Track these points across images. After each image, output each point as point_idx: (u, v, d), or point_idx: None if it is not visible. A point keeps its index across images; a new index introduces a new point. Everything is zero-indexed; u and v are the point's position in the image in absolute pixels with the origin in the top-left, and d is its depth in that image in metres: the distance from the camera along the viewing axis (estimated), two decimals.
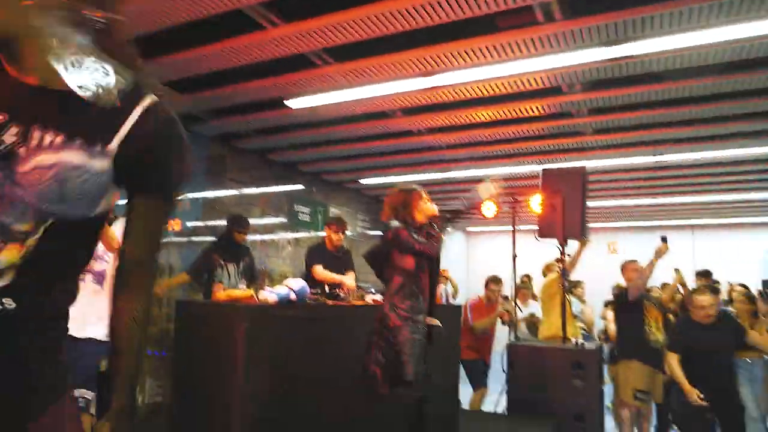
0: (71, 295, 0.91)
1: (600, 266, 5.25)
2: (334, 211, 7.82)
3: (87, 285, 2.10)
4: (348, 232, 5.07)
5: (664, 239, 4.74)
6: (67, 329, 0.91)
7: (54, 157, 0.79)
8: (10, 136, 0.77)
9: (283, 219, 6.76)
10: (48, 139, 0.79)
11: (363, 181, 7.72)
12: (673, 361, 3.03)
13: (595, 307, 6.54)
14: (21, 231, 0.79)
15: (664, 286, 5.86)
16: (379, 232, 8.92)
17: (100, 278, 2.22)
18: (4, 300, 0.79)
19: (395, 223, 2.91)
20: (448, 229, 3.13)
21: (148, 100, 0.89)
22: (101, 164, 0.82)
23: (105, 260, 2.34)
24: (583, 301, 6.43)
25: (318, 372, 3.23)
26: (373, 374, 2.82)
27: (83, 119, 0.82)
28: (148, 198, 0.92)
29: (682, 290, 5.44)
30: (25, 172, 0.77)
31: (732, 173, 6.42)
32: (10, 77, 0.79)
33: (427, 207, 3.01)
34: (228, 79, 4.09)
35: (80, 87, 0.80)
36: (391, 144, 5.73)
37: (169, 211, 0.99)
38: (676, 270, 5.19)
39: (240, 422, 2.89)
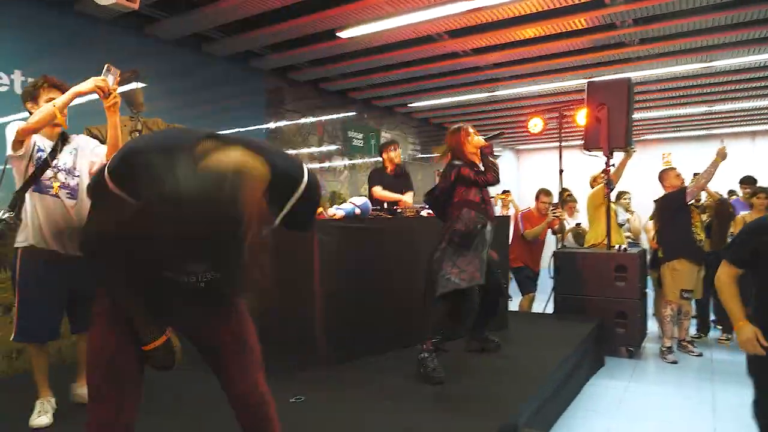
0: None
1: (654, 177, 5.41)
2: (385, 135, 8.15)
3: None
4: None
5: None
6: None
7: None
8: None
9: (338, 145, 7.17)
10: None
11: (412, 105, 7.95)
12: (727, 278, 2.32)
13: (645, 217, 6.69)
14: None
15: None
16: (428, 155, 9.24)
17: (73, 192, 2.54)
18: None
19: (453, 162, 3.26)
20: (498, 151, 3.47)
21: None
22: None
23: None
24: (630, 211, 6.61)
25: (379, 273, 3.74)
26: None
27: None
28: None
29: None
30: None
31: None
32: None
33: (476, 140, 3.31)
34: (282, 16, 4.39)
35: None
36: (438, 66, 5.91)
37: None
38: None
39: (318, 316, 3.46)
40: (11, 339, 2.52)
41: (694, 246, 4.98)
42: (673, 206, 5.08)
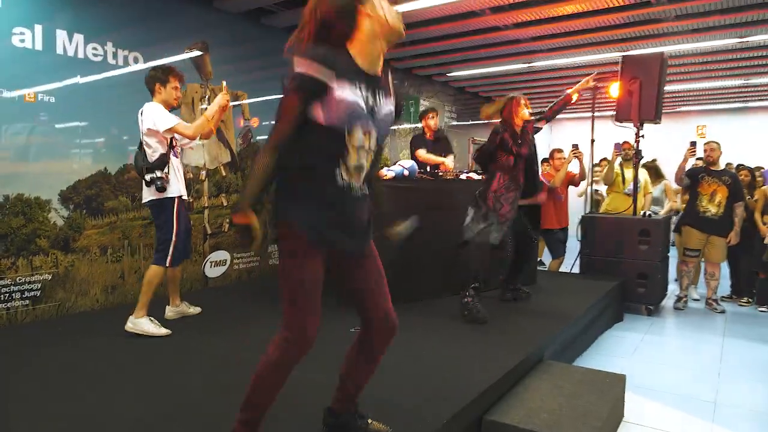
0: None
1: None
2: (423, 103, 8.52)
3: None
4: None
5: (693, 143, 5.55)
6: None
7: (387, 107, 1.69)
8: (371, 98, 1.61)
9: None
10: (383, 98, 1.67)
11: (451, 74, 8.27)
12: None
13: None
14: (372, 149, 1.67)
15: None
16: (464, 123, 9.58)
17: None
18: (363, 187, 1.68)
19: (499, 128, 3.67)
20: (539, 127, 3.85)
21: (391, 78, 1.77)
22: (392, 109, 1.72)
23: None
24: (657, 179, 6.86)
25: (425, 228, 4.20)
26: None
27: (384, 86, 1.69)
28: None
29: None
30: (381, 118, 1.66)
31: None
32: (363, 72, 1.60)
33: (524, 113, 3.70)
34: None
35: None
36: (479, 39, 6.22)
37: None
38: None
39: None
40: (167, 266, 3.42)
41: (697, 216, 5.49)
42: (691, 179, 5.54)
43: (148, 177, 3.31)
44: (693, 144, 5.48)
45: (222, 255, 5.16)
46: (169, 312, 3.75)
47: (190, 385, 2.53)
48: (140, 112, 3.41)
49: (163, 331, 3.34)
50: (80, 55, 4.04)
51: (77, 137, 4.09)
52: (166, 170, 3.32)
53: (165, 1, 4.61)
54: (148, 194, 3.41)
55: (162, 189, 3.30)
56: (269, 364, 1.65)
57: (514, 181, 3.70)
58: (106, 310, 4.14)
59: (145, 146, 3.39)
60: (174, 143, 3.43)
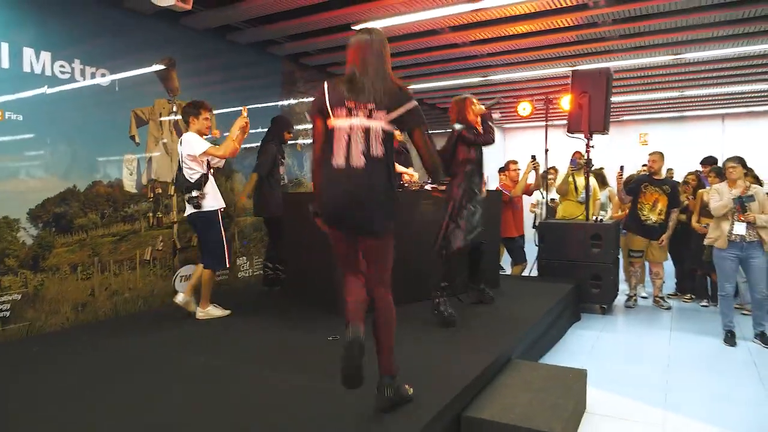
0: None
1: (631, 155, 6.23)
2: None
3: None
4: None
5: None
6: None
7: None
8: (366, 110, 2.15)
9: None
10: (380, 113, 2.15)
11: (411, 87, 8.51)
12: None
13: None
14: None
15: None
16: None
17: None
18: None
19: (457, 126, 3.92)
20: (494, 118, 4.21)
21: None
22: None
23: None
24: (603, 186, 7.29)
25: (398, 238, 4.38)
26: (449, 238, 3.90)
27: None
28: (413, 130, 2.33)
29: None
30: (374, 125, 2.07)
31: (753, 65, 6.97)
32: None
33: (477, 108, 4.00)
34: (303, 12, 4.93)
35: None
36: (438, 55, 6.49)
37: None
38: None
39: (339, 277, 4.10)
40: (226, 266, 4.25)
41: (639, 223, 5.99)
42: (633, 189, 6.02)
43: (187, 196, 4.03)
44: (622, 168, 6.07)
45: (192, 269, 5.18)
46: (180, 297, 4.26)
47: (174, 398, 2.61)
48: (179, 141, 4.17)
49: (227, 312, 4.25)
50: (47, 72, 4.03)
51: (45, 155, 4.06)
52: (206, 188, 4.03)
53: (133, 18, 4.64)
54: (190, 209, 4.10)
55: (198, 206, 4.02)
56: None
57: (479, 171, 3.96)
58: (77, 327, 4.11)
59: (186, 169, 4.05)
60: (209, 163, 4.11)
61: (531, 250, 6.40)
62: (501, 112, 10.65)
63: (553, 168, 8.05)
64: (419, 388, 2.60)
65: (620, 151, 10.45)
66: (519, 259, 6.55)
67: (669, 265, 6.52)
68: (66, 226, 4.15)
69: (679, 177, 7.33)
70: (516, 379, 3.08)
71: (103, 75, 4.41)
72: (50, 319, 4.02)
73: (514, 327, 3.86)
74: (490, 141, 4.03)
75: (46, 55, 4.01)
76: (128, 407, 2.49)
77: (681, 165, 8.73)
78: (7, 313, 3.76)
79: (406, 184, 5.09)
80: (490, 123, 4.11)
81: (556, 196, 7.28)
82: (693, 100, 9.78)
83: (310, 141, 7.09)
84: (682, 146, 10.97)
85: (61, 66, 4.12)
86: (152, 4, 3.99)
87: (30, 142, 3.95)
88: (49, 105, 4.03)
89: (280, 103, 6.49)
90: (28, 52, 3.91)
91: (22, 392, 2.71)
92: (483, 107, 4.08)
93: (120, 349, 3.45)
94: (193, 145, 4.02)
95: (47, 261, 4.02)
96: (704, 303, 6.13)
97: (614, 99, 9.17)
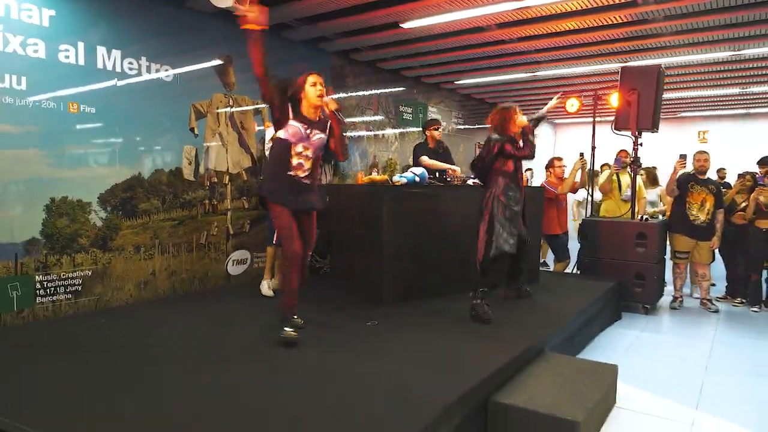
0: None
1: (689, 151, 6.03)
2: (432, 109, 8.84)
3: None
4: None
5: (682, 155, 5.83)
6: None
7: (319, 137, 2.83)
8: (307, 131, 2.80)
9: (390, 118, 7.91)
10: (317, 133, 2.71)
11: (458, 82, 8.59)
12: None
13: None
14: (311, 156, 2.90)
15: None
16: (469, 126, 9.90)
17: None
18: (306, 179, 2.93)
19: (495, 136, 3.92)
20: (537, 132, 4.05)
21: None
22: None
23: None
24: (653, 185, 7.14)
25: (436, 230, 4.54)
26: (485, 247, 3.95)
27: (319, 126, 2.77)
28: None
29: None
30: (313, 141, 2.73)
31: None
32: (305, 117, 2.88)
33: (521, 120, 3.97)
34: (355, 11, 5.11)
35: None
36: (484, 51, 6.54)
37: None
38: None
39: (385, 267, 4.29)
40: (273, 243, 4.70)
41: (688, 224, 5.83)
42: (680, 188, 5.85)
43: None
44: (683, 157, 5.77)
45: (243, 254, 5.50)
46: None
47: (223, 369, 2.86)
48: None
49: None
50: (117, 68, 4.38)
51: (114, 144, 4.42)
52: None
53: (194, 17, 4.95)
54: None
55: None
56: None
57: (515, 182, 3.95)
58: (139, 303, 4.48)
59: None
60: None
61: (575, 248, 6.38)
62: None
63: (606, 165, 7.92)
64: (448, 373, 2.75)
65: (678, 150, 10.13)
66: (562, 256, 6.54)
67: (717, 268, 6.36)
68: (131, 210, 4.52)
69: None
70: (547, 370, 3.17)
71: (166, 70, 4.74)
72: (116, 295, 4.40)
73: (548, 320, 3.93)
74: (530, 156, 3.93)
75: (116, 53, 4.37)
76: (193, 369, 2.76)
77: (742, 164, 8.41)
78: (80, 288, 4.16)
79: (449, 179, 5.20)
80: (531, 137, 4.00)
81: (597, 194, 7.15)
82: (755, 96, 9.37)
83: (356, 134, 7.31)
84: (743, 145, 10.53)
85: (130, 63, 4.47)
86: (211, 4, 4.26)
87: (101, 132, 4.32)
88: (118, 98, 4.38)
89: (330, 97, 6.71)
90: (101, 50, 4.27)
91: (95, 359, 3.04)
92: (525, 119, 4.03)
93: (178, 323, 3.76)
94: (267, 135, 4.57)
95: (114, 242, 4.40)
96: (755, 308, 5.95)
97: (670, 95, 8.94)
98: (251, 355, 3.10)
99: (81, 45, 4.15)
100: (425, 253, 4.48)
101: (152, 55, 4.62)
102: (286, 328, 3.22)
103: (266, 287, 4.71)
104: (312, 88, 3.24)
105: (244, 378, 2.72)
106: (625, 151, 6.28)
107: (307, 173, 3.21)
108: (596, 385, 3.02)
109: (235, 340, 3.37)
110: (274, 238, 4.64)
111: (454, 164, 5.93)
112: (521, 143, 3.94)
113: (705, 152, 5.81)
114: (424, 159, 5.74)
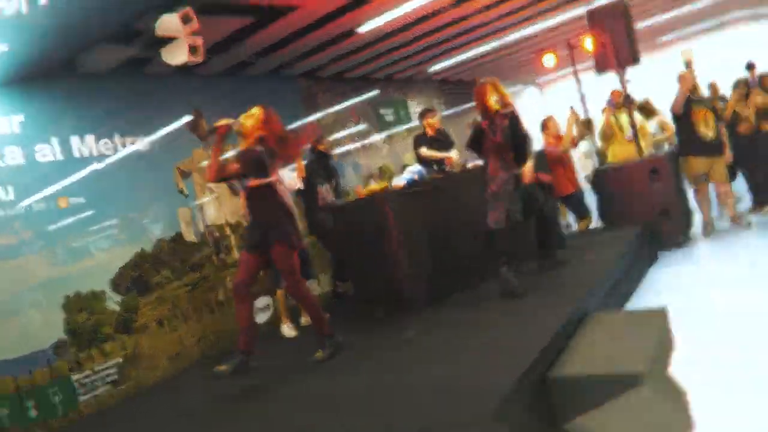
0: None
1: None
2: (411, 103, 8.75)
3: None
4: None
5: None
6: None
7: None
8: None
9: (372, 124, 7.82)
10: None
11: (430, 70, 8.50)
12: None
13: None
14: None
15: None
16: (455, 110, 9.79)
17: None
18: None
19: (477, 118, 3.83)
20: (519, 89, 3.93)
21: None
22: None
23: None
24: (650, 116, 6.96)
25: (447, 223, 4.42)
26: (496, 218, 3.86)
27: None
28: None
29: None
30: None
31: None
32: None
33: (495, 96, 3.80)
34: (308, 30, 5.07)
35: None
36: (449, 32, 6.45)
37: None
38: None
39: (395, 264, 4.18)
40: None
41: (699, 143, 5.54)
42: (677, 111, 5.59)
43: None
44: (688, 63, 5.57)
45: (265, 301, 5.39)
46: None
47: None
48: None
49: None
50: (94, 152, 4.37)
51: (110, 227, 4.39)
52: None
53: (154, 81, 4.92)
54: None
55: None
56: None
57: (504, 161, 3.83)
58: (176, 376, 4.42)
59: None
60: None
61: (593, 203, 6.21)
62: (530, 69, 10.39)
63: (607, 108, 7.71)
64: (496, 362, 2.64)
65: (666, 76, 9.91)
66: (582, 213, 6.34)
67: (740, 187, 6.14)
68: (144, 286, 4.48)
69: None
70: (595, 331, 3.04)
71: (141, 140, 4.71)
72: (151, 374, 4.34)
73: (584, 281, 3.79)
74: (504, 144, 3.75)
75: (89, 138, 4.35)
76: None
77: (730, 74, 8.18)
78: (116, 376, 4.11)
79: (448, 168, 5.09)
80: (510, 109, 3.82)
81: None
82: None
83: (343, 149, 7.22)
84: (726, 55, 10.27)
85: (105, 143, 4.46)
86: (168, 64, 4.23)
87: (95, 219, 4.30)
88: (103, 181, 4.37)
89: (303, 121, 6.63)
90: (74, 140, 4.26)
91: None
92: (508, 92, 3.84)
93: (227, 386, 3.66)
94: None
95: (136, 322, 4.35)
96: None
97: (642, 24, 8.75)
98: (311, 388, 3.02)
99: (55, 140, 4.14)
100: (441, 248, 4.36)
101: (124, 129, 4.60)
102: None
103: (286, 329, 4.57)
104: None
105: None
106: (618, 91, 6.10)
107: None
108: (649, 332, 2.88)
109: (285, 384, 3.30)
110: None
111: (454, 147, 5.77)
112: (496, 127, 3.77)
113: (685, 71, 5.63)
114: (422, 151, 5.59)
